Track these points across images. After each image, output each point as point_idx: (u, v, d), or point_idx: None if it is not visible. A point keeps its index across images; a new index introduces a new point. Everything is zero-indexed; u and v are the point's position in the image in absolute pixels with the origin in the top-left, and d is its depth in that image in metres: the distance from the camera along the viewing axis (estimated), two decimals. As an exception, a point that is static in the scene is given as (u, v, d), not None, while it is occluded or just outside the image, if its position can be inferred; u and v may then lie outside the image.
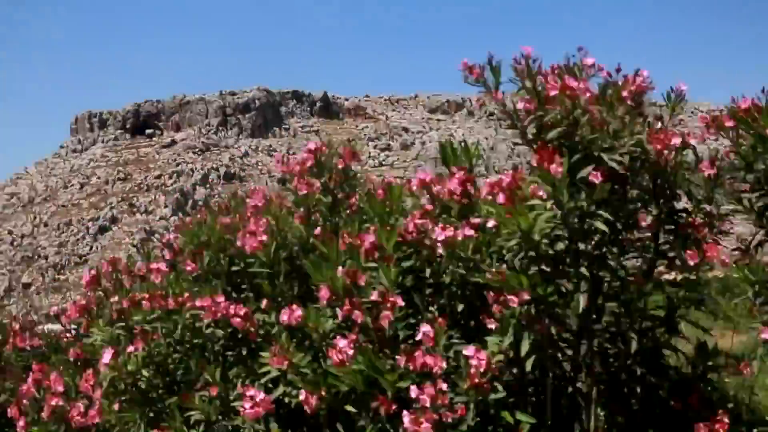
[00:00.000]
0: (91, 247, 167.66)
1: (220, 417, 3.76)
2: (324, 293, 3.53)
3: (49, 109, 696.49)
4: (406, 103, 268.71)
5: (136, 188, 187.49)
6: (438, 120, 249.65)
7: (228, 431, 3.71)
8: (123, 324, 4.30)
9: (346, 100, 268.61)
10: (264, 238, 3.98)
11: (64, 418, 4.15)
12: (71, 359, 4.60)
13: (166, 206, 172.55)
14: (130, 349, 4.05)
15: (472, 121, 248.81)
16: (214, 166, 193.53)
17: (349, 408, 3.44)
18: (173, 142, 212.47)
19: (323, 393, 3.41)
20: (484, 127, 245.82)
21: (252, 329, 3.86)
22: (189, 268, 4.32)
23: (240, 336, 3.95)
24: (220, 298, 3.92)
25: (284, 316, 3.63)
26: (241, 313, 3.84)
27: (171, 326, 4.07)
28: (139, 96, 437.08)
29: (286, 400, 3.57)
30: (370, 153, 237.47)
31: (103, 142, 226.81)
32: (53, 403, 4.12)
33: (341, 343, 3.30)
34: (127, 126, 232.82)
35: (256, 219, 4.09)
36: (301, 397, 3.44)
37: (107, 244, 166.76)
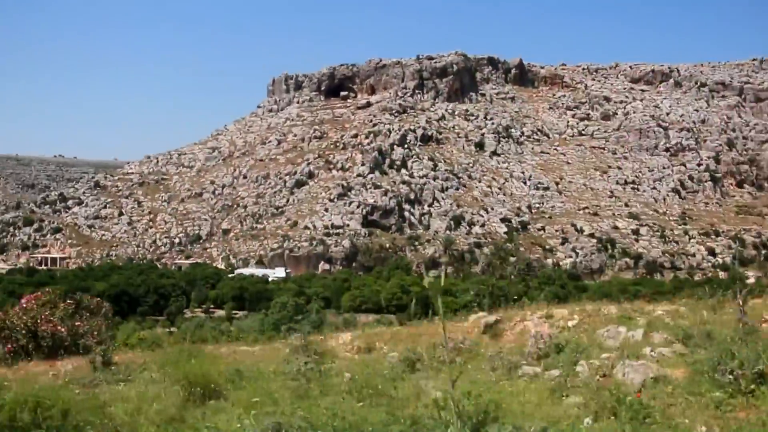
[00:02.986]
0: (287, 200, 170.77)
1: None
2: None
3: (246, 72, 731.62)
4: (606, 72, 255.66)
5: (332, 146, 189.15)
6: (642, 90, 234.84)
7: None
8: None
9: (542, 67, 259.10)
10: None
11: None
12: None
13: (363, 164, 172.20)
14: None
15: (679, 92, 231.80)
16: (411, 127, 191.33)
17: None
18: (368, 104, 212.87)
19: None
20: (694, 98, 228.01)
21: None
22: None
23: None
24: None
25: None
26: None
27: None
28: (334, 60, 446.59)
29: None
30: (568, 122, 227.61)
31: (298, 102, 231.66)
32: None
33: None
34: (322, 88, 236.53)
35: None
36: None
37: (303, 197, 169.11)
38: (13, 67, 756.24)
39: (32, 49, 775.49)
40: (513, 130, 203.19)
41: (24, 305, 17.68)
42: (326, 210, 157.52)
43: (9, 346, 16.38)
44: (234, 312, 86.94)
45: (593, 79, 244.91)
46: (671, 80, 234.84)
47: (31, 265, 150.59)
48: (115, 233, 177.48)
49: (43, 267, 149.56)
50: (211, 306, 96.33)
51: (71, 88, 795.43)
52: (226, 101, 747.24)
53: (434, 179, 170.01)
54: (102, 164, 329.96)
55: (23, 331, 16.53)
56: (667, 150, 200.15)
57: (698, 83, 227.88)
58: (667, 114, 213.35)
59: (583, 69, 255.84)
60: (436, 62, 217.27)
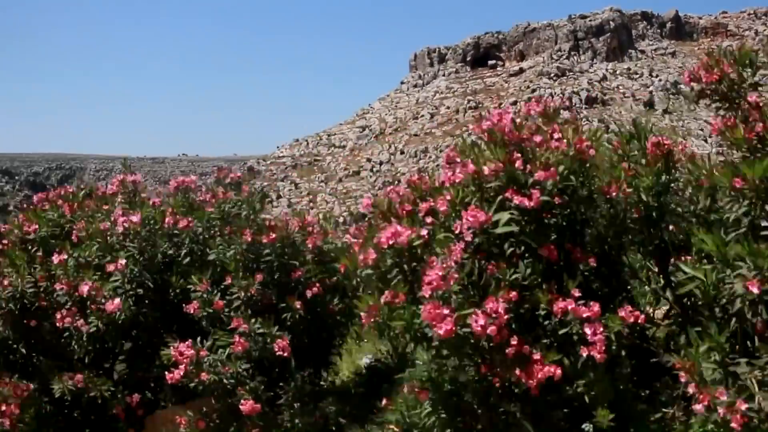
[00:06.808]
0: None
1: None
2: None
3: (384, 49, 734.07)
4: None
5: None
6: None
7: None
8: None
9: (700, 18, 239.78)
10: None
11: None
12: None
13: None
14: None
15: None
16: (575, 90, 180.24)
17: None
18: (521, 70, 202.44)
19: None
20: None
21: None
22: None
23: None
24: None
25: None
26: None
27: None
28: (475, 30, 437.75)
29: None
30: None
31: (444, 75, 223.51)
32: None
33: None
34: (468, 59, 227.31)
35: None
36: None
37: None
38: (137, 70, 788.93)
39: (152, 49, 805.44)
40: (682, 86, 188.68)
41: None
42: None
43: None
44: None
45: (764, 24, 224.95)
46: None
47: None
48: (276, 215, 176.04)
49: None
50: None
51: (190, 87, 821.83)
52: (364, 80, 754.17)
53: (608, 142, 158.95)
54: (225, 159, 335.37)
55: None
56: None
57: None
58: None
59: (749, 15, 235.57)
60: (590, 21, 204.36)
